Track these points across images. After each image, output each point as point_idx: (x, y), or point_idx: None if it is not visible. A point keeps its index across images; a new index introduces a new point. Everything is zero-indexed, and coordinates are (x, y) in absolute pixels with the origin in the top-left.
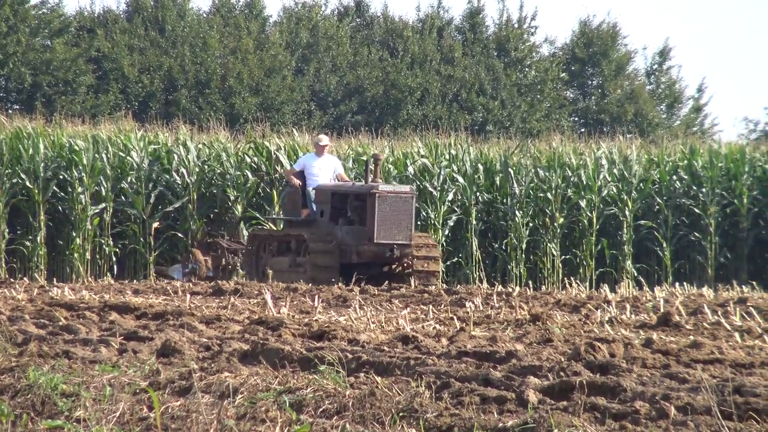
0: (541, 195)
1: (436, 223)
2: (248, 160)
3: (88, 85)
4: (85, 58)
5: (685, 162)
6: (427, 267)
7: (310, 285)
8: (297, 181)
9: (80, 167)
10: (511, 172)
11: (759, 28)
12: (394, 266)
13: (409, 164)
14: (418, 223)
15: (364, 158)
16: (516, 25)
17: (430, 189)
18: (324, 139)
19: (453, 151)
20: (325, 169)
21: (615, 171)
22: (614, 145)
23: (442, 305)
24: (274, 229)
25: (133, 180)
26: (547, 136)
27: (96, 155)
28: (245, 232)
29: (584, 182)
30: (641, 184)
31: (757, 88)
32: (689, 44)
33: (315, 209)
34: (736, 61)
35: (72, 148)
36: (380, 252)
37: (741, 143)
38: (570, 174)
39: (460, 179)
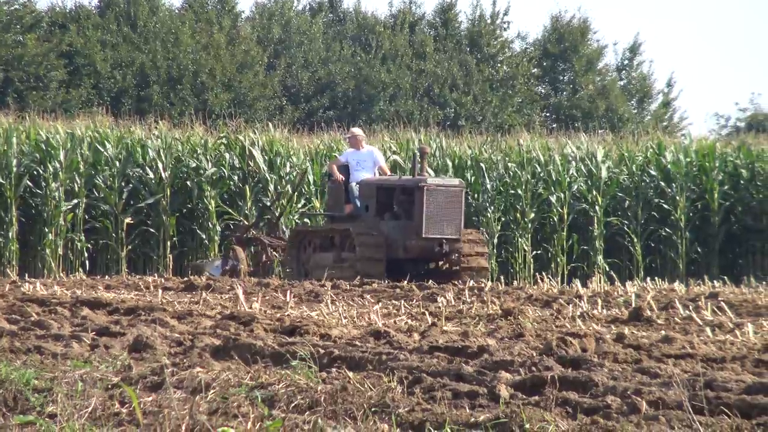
0: (512, 191)
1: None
2: (227, 156)
3: (60, 81)
4: (57, 53)
5: (655, 157)
6: (477, 263)
7: (357, 279)
8: (340, 176)
9: (56, 163)
10: (483, 167)
11: (729, 22)
12: (441, 263)
13: None
14: None
15: (336, 154)
16: (489, 21)
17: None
18: (354, 131)
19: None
20: (365, 162)
21: (583, 167)
22: (584, 141)
23: (414, 300)
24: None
25: (107, 175)
26: (519, 132)
27: (71, 151)
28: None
29: (554, 178)
30: (611, 180)
31: (728, 83)
32: (659, 39)
33: (359, 204)
34: (706, 56)
35: (49, 144)
36: (428, 247)
37: (711, 138)
38: (539, 170)
39: (431, 173)
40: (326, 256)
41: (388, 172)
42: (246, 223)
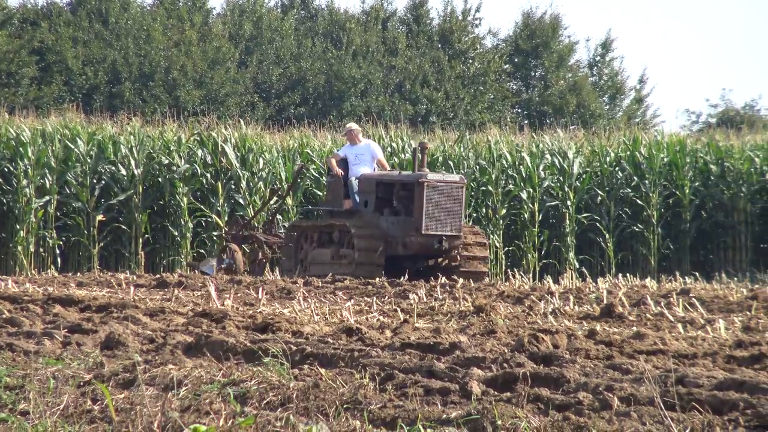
0: (483, 188)
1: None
2: (200, 153)
3: (31, 78)
4: (28, 50)
5: (627, 154)
6: (475, 267)
7: (353, 278)
8: (339, 171)
9: (26, 160)
10: (451, 164)
11: (700, 19)
12: (440, 260)
13: None
14: None
15: (309, 150)
16: (460, 17)
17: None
18: (351, 125)
19: (394, 144)
20: (363, 156)
21: (555, 163)
22: (555, 137)
23: (386, 297)
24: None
25: (78, 172)
26: (490, 129)
27: (42, 147)
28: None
29: (524, 175)
30: (583, 176)
31: (700, 79)
32: (631, 35)
33: (358, 199)
34: (677, 52)
35: (19, 141)
36: (428, 244)
37: (682, 135)
38: (510, 166)
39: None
40: (324, 252)
41: (387, 166)
42: (242, 220)
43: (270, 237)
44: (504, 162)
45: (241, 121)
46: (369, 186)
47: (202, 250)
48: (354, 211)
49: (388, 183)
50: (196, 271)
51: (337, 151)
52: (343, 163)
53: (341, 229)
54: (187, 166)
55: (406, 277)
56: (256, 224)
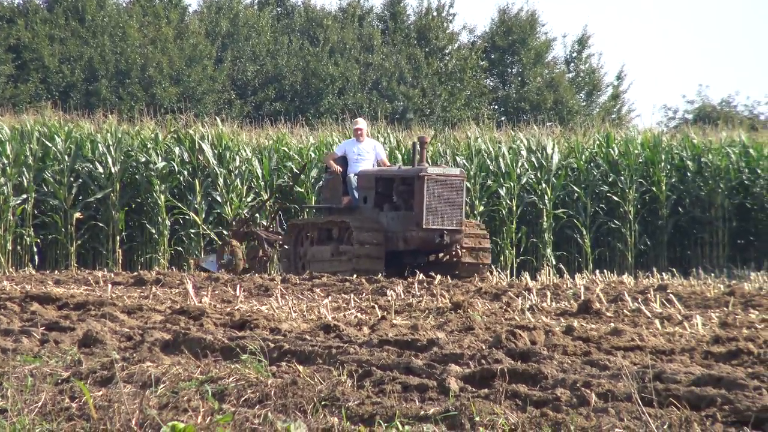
0: None
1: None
2: (177, 150)
3: (8, 75)
4: (5, 47)
5: (603, 150)
6: (477, 261)
7: (354, 275)
8: (338, 168)
9: (3, 158)
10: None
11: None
12: (441, 255)
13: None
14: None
15: (285, 148)
16: (436, 14)
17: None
18: (359, 123)
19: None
20: (366, 154)
21: (533, 159)
22: (533, 133)
23: (364, 294)
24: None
25: (56, 170)
26: (467, 125)
27: (20, 145)
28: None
29: (503, 170)
30: (559, 172)
31: (677, 76)
32: (608, 31)
33: (357, 196)
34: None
35: None
36: (429, 238)
37: (658, 131)
38: (488, 163)
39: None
40: (324, 250)
41: (388, 164)
42: (243, 216)
43: (271, 234)
44: (482, 158)
45: (218, 118)
46: (368, 182)
47: (180, 248)
48: (353, 207)
49: (387, 178)
50: (198, 268)
51: (336, 148)
52: (341, 160)
53: (341, 226)
54: (164, 163)
55: (407, 272)
56: (258, 221)
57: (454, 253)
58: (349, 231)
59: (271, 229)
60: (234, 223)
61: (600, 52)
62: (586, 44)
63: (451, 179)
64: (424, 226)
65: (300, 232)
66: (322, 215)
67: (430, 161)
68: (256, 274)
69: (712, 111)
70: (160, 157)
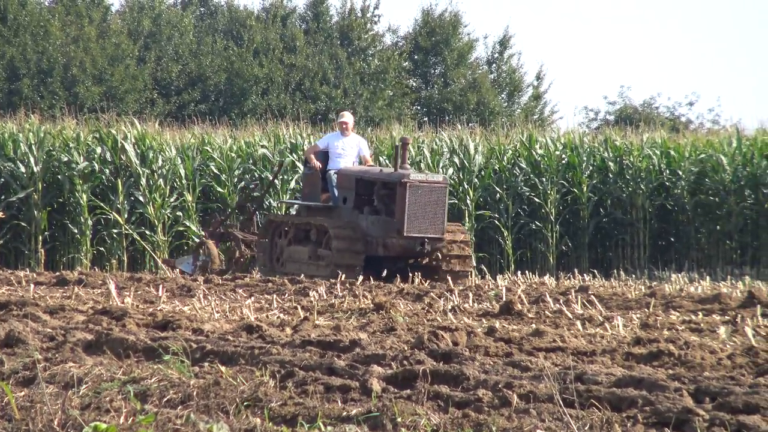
0: None
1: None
2: (99, 150)
3: None
4: None
5: (525, 151)
6: (458, 267)
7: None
8: (317, 163)
9: None
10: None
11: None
12: (421, 260)
13: (251, 154)
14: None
15: (208, 148)
16: (359, 14)
17: (271, 177)
18: (345, 116)
19: (293, 140)
20: (349, 149)
21: (456, 160)
22: (456, 134)
23: (286, 294)
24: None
25: None
26: (390, 125)
27: None
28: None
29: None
30: (482, 173)
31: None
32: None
33: (336, 195)
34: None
35: None
36: (409, 246)
37: (579, 132)
38: (411, 162)
39: (301, 167)
40: (301, 250)
41: (371, 162)
42: (219, 216)
43: (248, 235)
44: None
45: (138, 118)
46: (348, 182)
47: (102, 248)
48: (332, 207)
49: (368, 181)
50: (174, 269)
51: (319, 141)
52: (322, 155)
53: (319, 228)
54: (86, 163)
55: (384, 275)
56: (233, 221)
57: (434, 258)
58: (328, 235)
59: (248, 230)
60: (207, 223)
61: (520, 52)
62: (508, 45)
63: (434, 186)
64: (405, 234)
65: (277, 229)
66: (300, 212)
67: (412, 165)
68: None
69: (633, 112)
70: (81, 157)
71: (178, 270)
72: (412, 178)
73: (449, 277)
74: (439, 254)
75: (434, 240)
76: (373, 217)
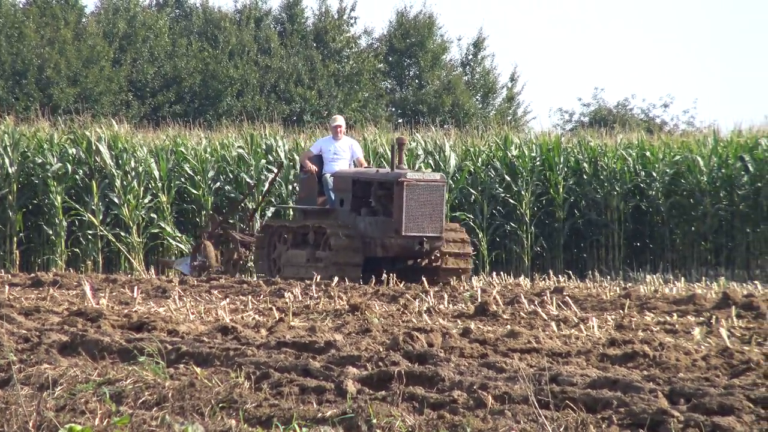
0: None
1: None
2: (74, 151)
3: None
4: None
5: (501, 152)
6: (457, 265)
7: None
8: (312, 167)
9: None
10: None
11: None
12: (420, 260)
13: (225, 155)
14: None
15: (182, 149)
16: (335, 17)
17: (247, 179)
18: (338, 119)
19: (268, 142)
20: (342, 152)
21: (430, 161)
22: (431, 135)
23: (262, 296)
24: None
25: None
26: (364, 126)
27: None
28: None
29: None
30: (457, 175)
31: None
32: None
33: (333, 197)
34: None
35: None
36: (408, 246)
37: (555, 133)
38: (385, 165)
39: (276, 170)
40: (299, 254)
41: (365, 164)
42: (218, 217)
43: (246, 236)
44: (381, 160)
45: (114, 119)
46: (345, 184)
47: (77, 249)
48: (329, 210)
49: (365, 181)
50: (172, 270)
51: (312, 146)
52: (317, 159)
53: (317, 230)
54: (60, 164)
55: (383, 277)
56: (233, 223)
57: (434, 258)
58: (326, 236)
59: (247, 231)
60: (205, 224)
61: (493, 53)
62: (482, 46)
63: (432, 185)
64: (403, 233)
65: (274, 234)
66: (297, 217)
67: (407, 164)
68: (232, 277)
69: (608, 114)
70: (55, 158)
71: (175, 270)
72: (409, 177)
73: (449, 276)
74: (438, 253)
75: (433, 239)
76: (371, 218)
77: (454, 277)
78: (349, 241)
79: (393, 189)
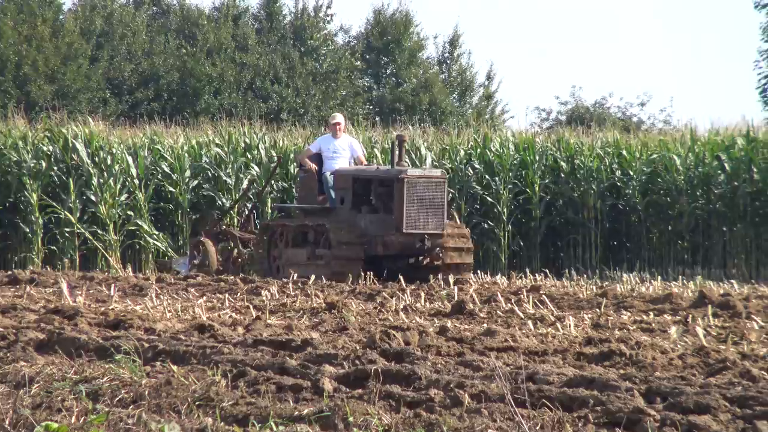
0: None
1: (230, 212)
2: (50, 149)
3: None
4: None
5: (478, 152)
6: (459, 259)
7: (326, 279)
8: (312, 165)
9: None
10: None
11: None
12: (422, 258)
13: (203, 153)
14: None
15: (159, 147)
16: (312, 14)
17: (225, 178)
18: (337, 117)
19: (247, 140)
20: (342, 151)
21: (406, 160)
22: (407, 133)
23: (238, 294)
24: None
25: None
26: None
27: None
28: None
29: None
30: None
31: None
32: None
33: (334, 196)
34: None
35: None
36: (409, 243)
37: (532, 132)
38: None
39: (255, 168)
40: (299, 252)
41: (366, 162)
42: (217, 215)
43: (245, 234)
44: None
45: (90, 117)
46: (345, 182)
47: (54, 247)
48: (330, 208)
49: (365, 179)
50: (169, 270)
51: (311, 145)
52: (316, 157)
53: (317, 228)
54: (35, 162)
55: (385, 275)
56: (231, 220)
57: (435, 255)
58: (326, 234)
59: (247, 229)
60: (204, 222)
61: (470, 51)
62: (457, 44)
63: (433, 181)
64: (404, 231)
65: (274, 233)
66: (297, 215)
67: (408, 161)
68: (230, 275)
69: (585, 112)
70: (30, 155)
71: (174, 270)
72: (409, 174)
73: (451, 272)
74: (439, 252)
75: (434, 236)
76: (372, 216)
77: (457, 272)
78: (350, 237)
79: (393, 186)
